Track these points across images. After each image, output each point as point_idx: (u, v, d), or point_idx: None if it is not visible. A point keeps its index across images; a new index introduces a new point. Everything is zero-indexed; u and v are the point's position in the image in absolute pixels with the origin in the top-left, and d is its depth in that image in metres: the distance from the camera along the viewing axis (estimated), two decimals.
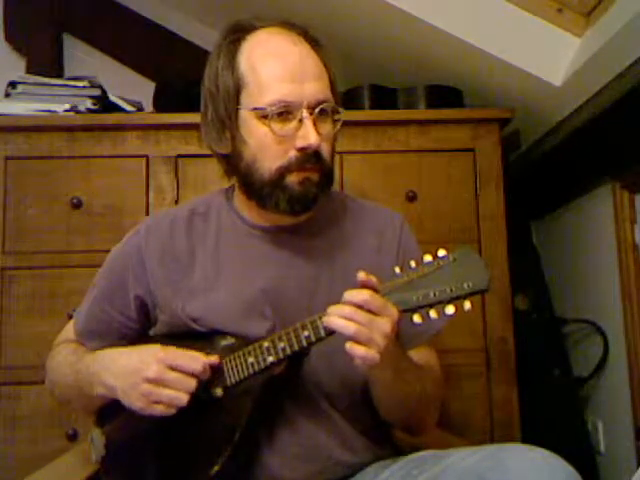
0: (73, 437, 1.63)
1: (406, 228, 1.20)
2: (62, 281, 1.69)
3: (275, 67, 1.04)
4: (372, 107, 1.82)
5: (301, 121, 1.03)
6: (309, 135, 1.03)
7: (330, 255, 1.14)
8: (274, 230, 1.14)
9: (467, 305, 0.92)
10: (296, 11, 1.77)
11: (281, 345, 0.99)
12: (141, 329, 1.18)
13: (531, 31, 1.64)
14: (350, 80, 1.84)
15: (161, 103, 1.88)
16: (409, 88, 1.85)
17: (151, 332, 1.17)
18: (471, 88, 1.87)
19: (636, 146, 1.56)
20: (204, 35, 2.29)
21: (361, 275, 0.94)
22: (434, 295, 0.92)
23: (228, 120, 1.08)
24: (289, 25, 1.10)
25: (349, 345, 0.91)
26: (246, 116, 1.06)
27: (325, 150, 1.07)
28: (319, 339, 0.97)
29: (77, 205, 1.71)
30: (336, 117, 1.09)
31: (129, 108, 1.89)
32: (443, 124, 1.78)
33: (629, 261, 1.70)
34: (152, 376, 0.99)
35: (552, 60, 1.65)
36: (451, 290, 0.91)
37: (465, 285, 0.91)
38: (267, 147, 1.05)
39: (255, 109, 1.05)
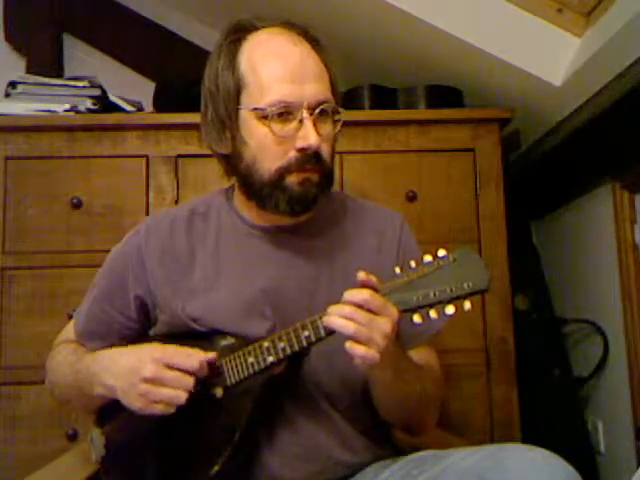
0: (73, 437, 1.63)
1: (406, 228, 1.20)
2: (62, 281, 1.69)
3: (275, 67, 1.04)
4: (372, 107, 1.82)
5: (301, 122, 1.03)
6: (309, 136, 1.03)
7: (330, 255, 1.14)
8: (274, 230, 1.14)
9: (467, 305, 0.92)
10: (296, 11, 1.77)
11: (281, 345, 0.99)
12: (141, 329, 1.18)
13: (531, 31, 1.64)
14: (350, 80, 1.84)
15: (161, 103, 1.88)
16: (409, 88, 1.85)
17: (151, 332, 1.17)
18: (471, 88, 1.87)
19: (636, 146, 1.56)
20: (204, 35, 2.29)
21: (361, 275, 0.94)
22: (434, 295, 0.92)
23: (228, 120, 1.08)
24: (289, 25, 1.10)
25: (349, 345, 0.91)
26: (246, 116, 1.06)
27: (325, 151, 1.07)
28: (319, 339, 0.97)
29: (77, 205, 1.71)
30: (336, 117, 1.09)
31: (129, 108, 1.89)
32: (443, 124, 1.78)
33: (629, 261, 1.70)
34: (149, 375, 0.99)
35: (552, 60, 1.65)
36: (451, 290, 0.91)
37: (465, 285, 0.91)
38: (267, 147, 1.05)
39: (255, 109, 1.05)
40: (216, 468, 1.01)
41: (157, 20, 2.36)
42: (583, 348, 1.95)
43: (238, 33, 1.09)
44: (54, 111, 1.78)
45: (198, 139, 1.19)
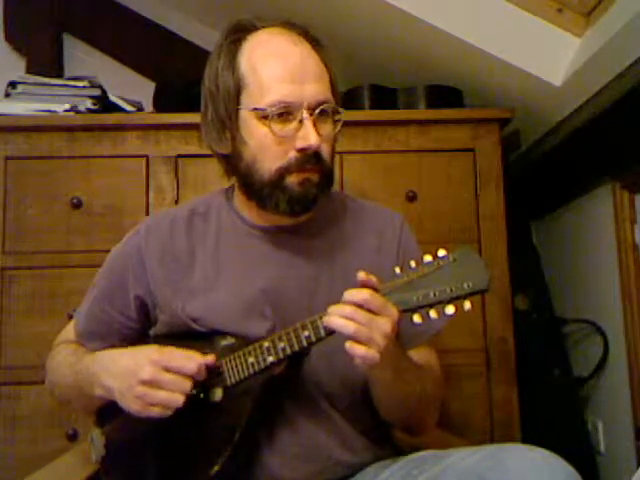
0: (73, 437, 1.63)
1: (406, 228, 1.20)
2: (62, 281, 1.69)
3: (276, 67, 1.04)
4: (372, 107, 1.82)
5: (301, 122, 1.03)
6: (309, 136, 1.03)
7: (330, 255, 1.14)
8: (274, 230, 1.14)
9: (467, 305, 0.92)
10: (296, 11, 1.77)
11: (281, 345, 0.99)
12: (141, 329, 1.18)
13: (531, 31, 1.64)
14: (350, 80, 1.84)
15: (161, 103, 1.88)
16: (409, 88, 1.85)
17: (151, 332, 1.17)
18: (471, 88, 1.87)
19: (636, 146, 1.56)
20: (204, 35, 2.29)
21: (361, 275, 0.94)
22: (434, 295, 0.92)
23: (228, 120, 1.08)
24: (290, 25, 1.10)
25: (349, 344, 0.91)
26: (246, 116, 1.06)
27: (325, 151, 1.07)
28: (319, 339, 0.97)
29: (77, 205, 1.71)
30: (336, 118, 1.09)
31: (129, 108, 1.89)
32: (443, 124, 1.78)
33: (629, 261, 1.70)
34: (146, 378, 0.99)
35: (552, 60, 1.65)
36: (451, 290, 0.91)
37: (465, 285, 0.91)
38: (267, 148, 1.05)
39: (255, 109, 1.05)
40: (216, 468, 1.01)
41: (157, 20, 2.36)
42: (583, 348, 1.95)
43: (238, 33, 1.09)
44: (54, 111, 1.78)
45: (198, 139, 1.19)
